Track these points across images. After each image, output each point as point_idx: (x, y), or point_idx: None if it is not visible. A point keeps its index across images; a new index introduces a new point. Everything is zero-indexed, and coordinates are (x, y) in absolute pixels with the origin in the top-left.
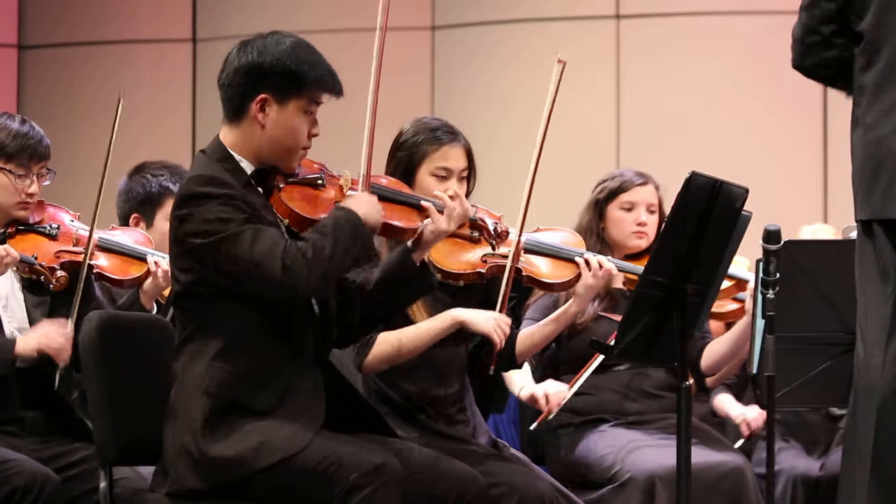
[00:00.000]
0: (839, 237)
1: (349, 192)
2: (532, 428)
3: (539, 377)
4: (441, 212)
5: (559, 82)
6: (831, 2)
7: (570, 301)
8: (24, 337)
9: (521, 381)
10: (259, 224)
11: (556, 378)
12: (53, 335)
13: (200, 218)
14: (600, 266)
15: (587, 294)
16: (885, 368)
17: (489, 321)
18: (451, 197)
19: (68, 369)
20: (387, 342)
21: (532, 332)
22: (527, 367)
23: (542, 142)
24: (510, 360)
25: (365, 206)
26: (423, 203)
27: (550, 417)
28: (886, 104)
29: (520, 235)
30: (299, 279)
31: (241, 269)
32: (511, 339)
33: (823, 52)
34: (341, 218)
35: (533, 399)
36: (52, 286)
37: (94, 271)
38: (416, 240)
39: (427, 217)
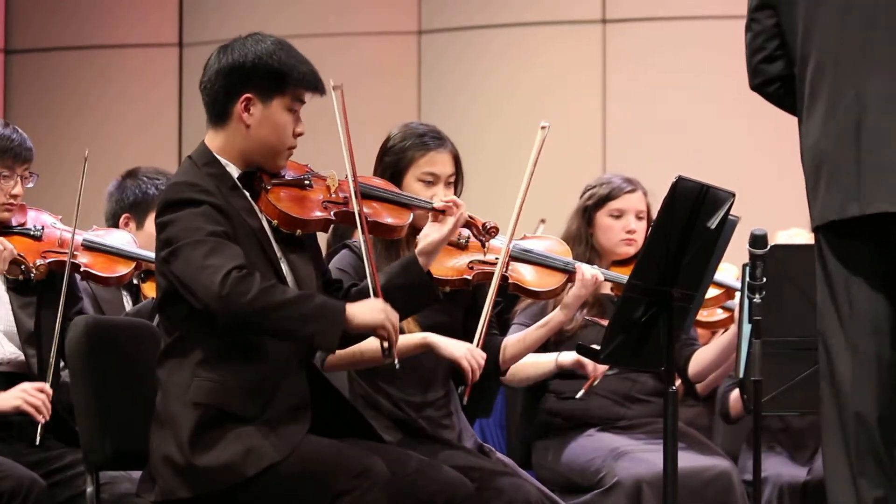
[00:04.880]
0: None
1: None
2: (579, 396)
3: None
4: (439, 213)
5: (542, 146)
6: (770, 18)
7: (558, 309)
8: (3, 395)
9: (546, 356)
10: (236, 234)
11: (547, 385)
12: (32, 394)
13: (175, 226)
14: (593, 277)
15: (575, 304)
16: (860, 376)
17: (461, 349)
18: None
19: (47, 424)
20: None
21: (521, 338)
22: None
23: (524, 198)
24: (494, 367)
25: (362, 305)
26: (418, 202)
27: (596, 384)
28: (819, 112)
29: (508, 244)
30: (238, 296)
31: (187, 275)
32: (495, 345)
33: (769, 68)
34: (323, 297)
35: (579, 364)
36: (33, 275)
37: (81, 270)
38: (422, 249)
39: (415, 214)
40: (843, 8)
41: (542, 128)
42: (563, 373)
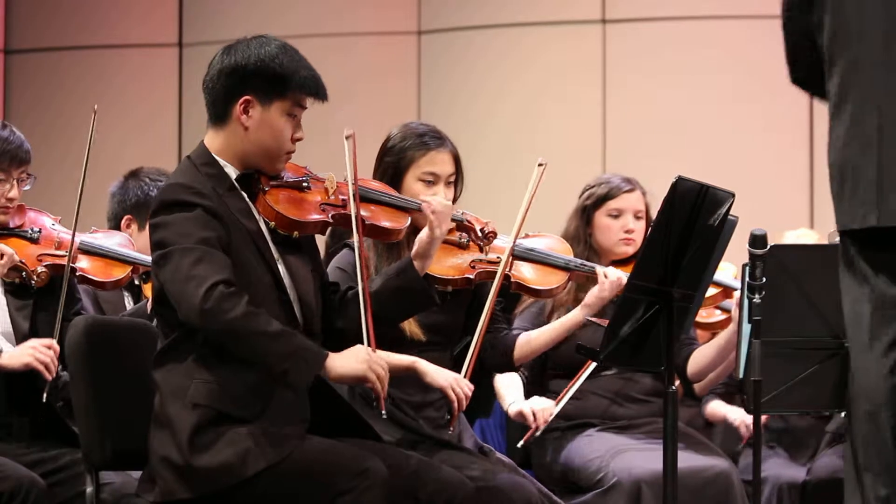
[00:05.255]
0: (824, 242)
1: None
2: (520, 445)
3: (527, 383)
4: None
5: (538, 183)
6: (805, 13)
7: (577, 308)
8: (10, 352)
9: (510, 397)
10: (230, 237)
11: (545, 385)
12: (41, 350)
13: (166, 230)
14: (618, 280)
15: (597, 304)
16: (871, 373)
17: (447, 378)
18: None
19: (54, 382)
20: None
21: (538, 335)
22: (517, 378)
23: (519, 230)
24: (508, 362)
25: (346, 355)
26: (414, 205)
27: (538, 434)
28: (846, 116)
29: (511, 248)
30: (219, 312)
31: (173, 282)
32: (506, 341)
33: (804, 65)
34: (308, 341)
35: (521, 416)
36: (33, 282)
37: (77, 274)
38: (416, 252)
39: (413, 216)
40: (870, 12)
41: (540, 165)
42: (562, 374)
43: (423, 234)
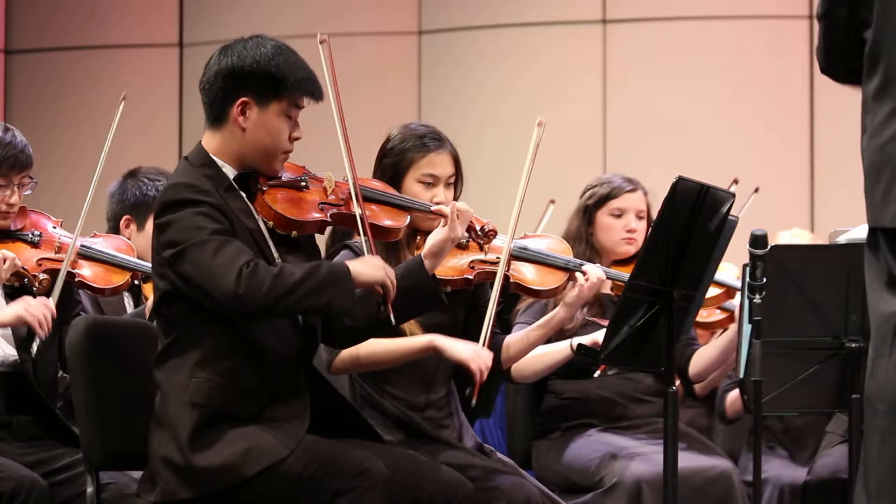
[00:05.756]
0: (820, 241)
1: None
2: (597, 375)
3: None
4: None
5: (538, 144)
6: (842, 7)
7: (559, 307)
8: (5, 308)
9: (557, 344)
10: (235, 233)
11: (545, 384)
12: (35, 305)
13: (176, 227)
14: (598, 279)
15: (577, 302)
16: (891, 370)
17: (468, 351)
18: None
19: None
20: (347, 350)
21: (523, 336)
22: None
23: (523, 197)
24: (496, 367)
25: (363, 264)
26: (433, 209)
27: (610, 372)
28: (885, 111)
29: (509, 243)
30: (253, 291)
31: (199, 275)
32: (497, 344)
33: (848, 60)
34: (326, 264)
35: (597, 344)
36: (35, 289)
37: (76, 280)
38: (428, 251)
39: (412, 216)
40: None
41: (539, 124)
42: (565, 374)
43: (440, 233)
